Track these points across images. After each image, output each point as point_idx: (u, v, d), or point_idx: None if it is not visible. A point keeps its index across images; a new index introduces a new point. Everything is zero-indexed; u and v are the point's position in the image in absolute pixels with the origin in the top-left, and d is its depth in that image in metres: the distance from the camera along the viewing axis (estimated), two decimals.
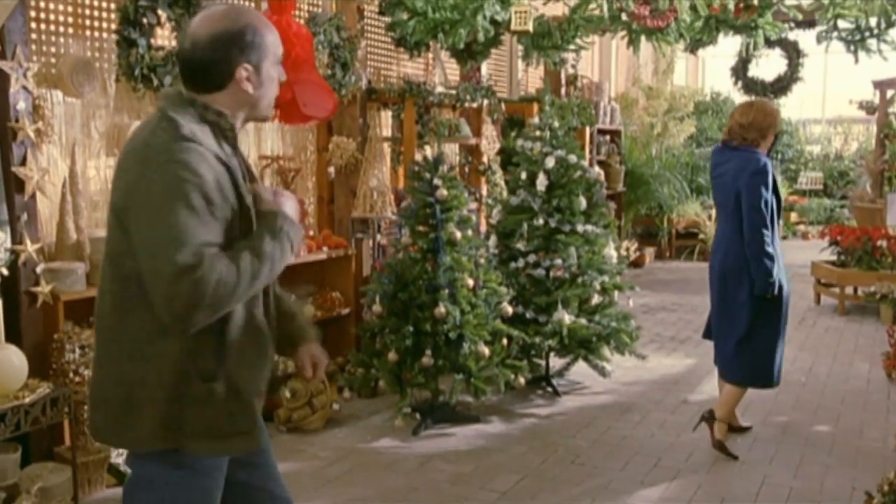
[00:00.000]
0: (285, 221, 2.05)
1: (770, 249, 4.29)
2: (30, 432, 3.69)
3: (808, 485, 4.15)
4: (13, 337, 3.85)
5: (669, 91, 12.94)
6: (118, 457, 4.19)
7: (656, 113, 12.59)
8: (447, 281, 4.83)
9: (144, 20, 4.20)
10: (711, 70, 16.62)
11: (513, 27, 5.74)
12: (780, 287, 4.33)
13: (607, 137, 11.31)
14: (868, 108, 12.09)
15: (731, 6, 6.03)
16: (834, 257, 8.63)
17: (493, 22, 6.01)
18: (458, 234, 4.89)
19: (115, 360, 2.05)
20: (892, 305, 7.55)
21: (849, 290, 8.44)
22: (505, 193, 7.01)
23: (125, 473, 4.02)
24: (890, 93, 11.68)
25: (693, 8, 5.75)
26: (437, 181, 4.90)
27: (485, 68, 8.10)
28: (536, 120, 5.74)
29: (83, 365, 3.92)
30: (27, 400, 3.53)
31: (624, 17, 5.71)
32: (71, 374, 3.91)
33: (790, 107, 15.59)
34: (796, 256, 10.44)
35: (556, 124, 5.61)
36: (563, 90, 9.56)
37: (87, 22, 4.72)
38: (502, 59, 9.39)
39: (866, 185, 11.54)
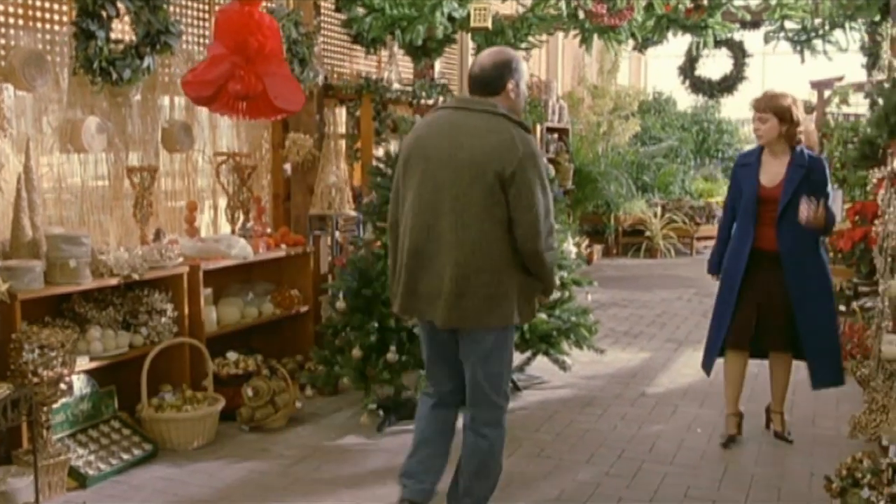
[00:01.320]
0: None
1: (720, 235, 4.69)
2: None
3: (768, 472, 4.26)
4: None
5: (614, 90, 13.12)
6: (77, 459, 4.10)
7: (602, 112, 12.76)
8: None
9: (103, 12, 4.10)
10: (654, 70, 16.89)
11: (472, 23, 5.76)
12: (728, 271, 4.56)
13: (556, 135, 11.42)
14: (807, 107, 12.41)
15: (684, 6, 6.15)
16: None
17: (450, 18, 6.04)
18: None
19: (485, 272, 3.16)
20: (838, 299, 7.77)
21: None
22: None
23: (85, 476, 3.93)
24: (827, 93, 12.02)
25: (648, 7, 5.84)
26: None
27: (437, 66, 8.11)
28: None
29: (42, 366, 3.80)
30: None
31: (581, 14, 5.77)
32: (29, 375, 3.78)
33: (730, 107, 15.95)
34: None
35: None
36: None
37: (38, 14, 4.59)
38: (453, 57, 9.41)
39: None
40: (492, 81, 3.23)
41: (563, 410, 5.23)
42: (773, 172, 4.48)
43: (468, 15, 5.81)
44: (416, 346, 4.82)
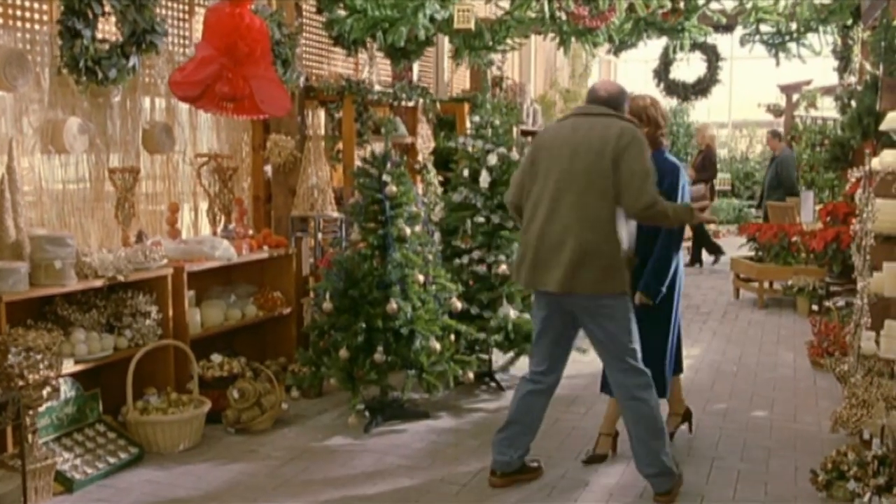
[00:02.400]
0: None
1: None
2: None
3: (754, 467, 4.31)
4: None
5: (586, 94, 13.19)
6: (63, 463, 4.04)
7: None
8: (398, 277, 4.82)
9: (89, 11, 4.05)
10: (623, 74, 17.04)
11: (455, 25, 5.77)
12: None
13: (529, 138, 11.45)
14: (776, 111, 12.63)
15: (664, 8, 6.22)
16: (752, 253, 8.97)
17: (431, 20, 6.04)
18: (408, 231, 4.90)
19: (601, 245, 3.75)
20: (809, 297, 7.91)
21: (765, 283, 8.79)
22: (439, 192, 7.05)
23: (72, 480, 3.90)
24: (795, 96, 12.25)
25: (630, 8, 5.89)
26: (385, 177, 4.89)
27: (415, 68, 8.12)
28: (477, 118, 5.78)
29: (28, 369, 3.74)
30: None
31: (563, 16, 5.81)
32: (15, 379, 3.72)
33: (698, 110, 16.14)
34: None
35: (497, 122, 5.67)
36: (489, 91, 9.65)
37: (19, 13, 4.54)
38: (429, 60, 9.43)
39: None
40: (617, 106, 4.01)
41: (548, 409, 5.21)
42: None
43: (450, 16, 5.82)
44: (403, 347, 4.83)
